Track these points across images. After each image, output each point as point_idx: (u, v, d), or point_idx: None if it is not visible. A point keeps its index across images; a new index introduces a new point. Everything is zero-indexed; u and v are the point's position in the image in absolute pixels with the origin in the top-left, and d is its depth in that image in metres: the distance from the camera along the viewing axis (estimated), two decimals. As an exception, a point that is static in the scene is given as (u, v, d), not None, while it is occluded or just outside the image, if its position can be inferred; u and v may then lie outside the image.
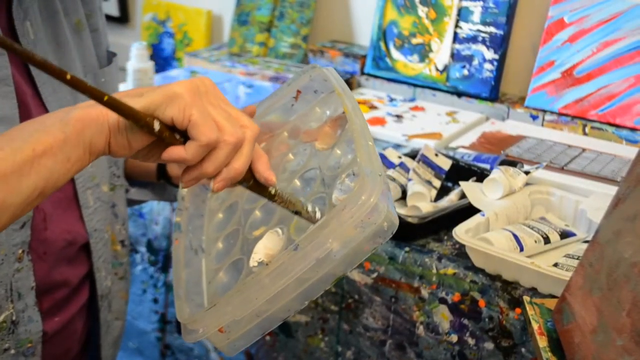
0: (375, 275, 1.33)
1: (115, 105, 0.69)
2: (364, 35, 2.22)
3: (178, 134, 0.72)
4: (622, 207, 0.88)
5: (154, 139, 0.73)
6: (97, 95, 0.67)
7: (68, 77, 0.65)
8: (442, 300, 1.26)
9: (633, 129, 1.75)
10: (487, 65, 1.93)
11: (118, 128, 0.72)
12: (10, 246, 0.91)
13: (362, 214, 0.70)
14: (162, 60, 2.51)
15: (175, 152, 0.72)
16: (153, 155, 0.76)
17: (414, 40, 2.04)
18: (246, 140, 0.74)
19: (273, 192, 0.80)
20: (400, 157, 1.52)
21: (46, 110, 0.93)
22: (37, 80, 0.93)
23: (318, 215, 0.82)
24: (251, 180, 0.78)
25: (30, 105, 0.91)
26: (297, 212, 0.81)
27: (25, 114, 0.90)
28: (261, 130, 0.87)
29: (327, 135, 0.93)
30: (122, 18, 2.63)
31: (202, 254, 0.97)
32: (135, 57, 1.87)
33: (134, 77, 1.86)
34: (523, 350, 1.19)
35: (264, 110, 0.98)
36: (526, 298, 1.01)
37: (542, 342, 0.93)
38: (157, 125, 0.71)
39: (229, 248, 0.94)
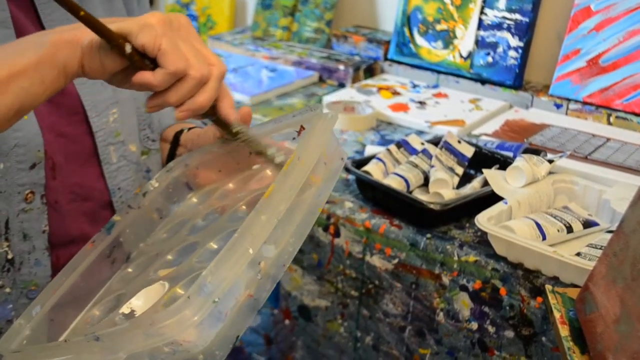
0: (396, 261, 1.33)
1: (90, 21, 0.72)
2: (388, 20, 2.21)
3: (148, 60, 0.76)
4: (647, 197, 0.88)
5: (127, 63, 0.77)
6: (74, 9, 0.71)
7: None
8: (463, 288, 1.26)
9: (658, 119, 1.73)
10: (512, 53, 1.92)
11: (91, 49, 0.76)
12: (15, 185, 0.91)
13: (172, 330, 0.63)
14: (185, 43, 2.51)
15: (144, 76, 0.76)
16: (128, 81, 0.79)
17: (439, 27, 2.03)
18: (212, 77, 0.78)
19: (235, 130, 0.85)
20: (423, 144, 1.52)
21: None
22: (47, 27, 0.94)
23: (278, 159, 0.85)
24: (215, 116, 0.83)
25: None
26: (259, 152, 0.86)
27: None
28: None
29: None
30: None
31: (120, 266, 0.92)
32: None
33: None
34: (544, 339, 1.19)
35: (269, 131, 0.93)
36: (548, 287, 1.01)
37: (564, 331, 0.93)
38: (128, 48, 0.74)
39: (135, 275, 0.89)
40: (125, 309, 0.80)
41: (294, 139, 0.90)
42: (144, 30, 0.74)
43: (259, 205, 0.69)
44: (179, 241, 0.89)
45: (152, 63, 0.76)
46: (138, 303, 0.80)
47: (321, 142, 0.78)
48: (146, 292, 0.80)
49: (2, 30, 0.89)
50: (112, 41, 0.74)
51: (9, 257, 0.94)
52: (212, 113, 0.83)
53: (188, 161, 0.98)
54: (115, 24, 0.75)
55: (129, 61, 0.76)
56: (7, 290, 0.95)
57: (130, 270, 0.92)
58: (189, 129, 1.09)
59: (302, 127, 0.89)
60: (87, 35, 0.75)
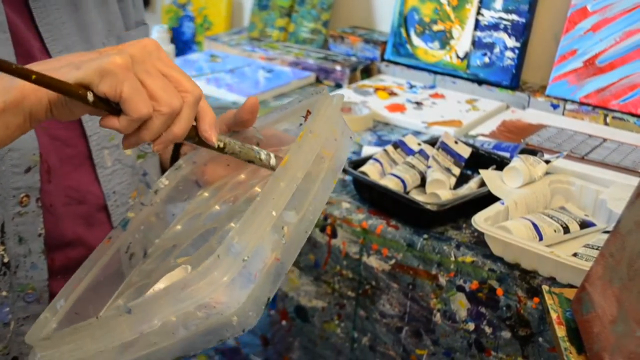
0: (393, 261, 1.33)
1: (45, 82, 0.70)
2: (385, 21, 2.21)
3: (114, 103, 0.74)
4: (644, 198, 0.88)
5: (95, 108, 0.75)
6: (24, 74, 0.68)
7: None
8: (460, 288, 1.26)
9: (655, 120, 1.73)
10: (509, 53, 1.92)
11: (58, 97, 0.74)
12: (10, 189, 0.91)
13: (204, 291, 0.64)
14: (182, 43, 2.51)
15: (110, 122, 0.74)
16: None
17: (435, 27, 2.03)
18: (185, 105, 0.75)
19: (221, 145, 0.81)
20: (419, 144, 1.52)
21: None
22: (45, 36, 0.94)
23: (273, 161, 0.82)
24: (196, 138, 0.80)
25: (38, 59, 0.92)
26: (250, 161, 0.83)
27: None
28: (272, 141, 0.89)
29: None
30: (144, 1, 2.63)
31: (138, 262, 0.93)
32: (156, 40, 1.87)
33: (154, 60, 1.86)
34: (540, 339, 1.19)
35: (275, 120, 0.94)
36: (545, 287, 1.01)
37: (561, 331, 0.93)
38: (90, 97, 0.72)
39: (155, 267, 0.90)
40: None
41: (300, 124, 0.90)
42: (105, 78, 0.71)
43: (277, 172, 0.70)
44: (196, 230, 0.90)
45: (118, 106, 0.74)
46: (161, 286, 0.79)
47: (330, 119, 0.78)
48: (169, 277, 0.80)
49: None
50: (73, 95, 0.72)
51: (5, 260, 0.94)
52: (192, 135, 0.80)
53: (195, 158, 0.98)
54: (76, 73, 0.72)
55: (95, 107, 0.74)
56: (4, 293, 0.95)
57: (149, 262, 0.92)
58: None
59: (308, 112, 0.89)
60: None
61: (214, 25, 2.47)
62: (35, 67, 0.71)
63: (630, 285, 0.83)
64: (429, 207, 1.29)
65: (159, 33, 1.85)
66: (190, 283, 0.64)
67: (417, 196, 1.39)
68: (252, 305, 0.65)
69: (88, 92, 0.72)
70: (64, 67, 0.72)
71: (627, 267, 0.84)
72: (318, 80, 2.09)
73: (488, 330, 1.25)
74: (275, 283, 0.69)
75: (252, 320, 0.65)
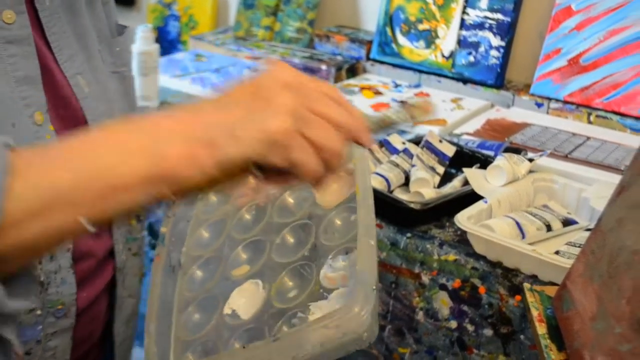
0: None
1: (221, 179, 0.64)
2: (371, 20, 2.21)
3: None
4: (625, 195, 0.88)
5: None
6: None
7: None
8: (443, 287, 1.26)
9: (638, 118, 1.73)
10: (494, 52, 1.92)
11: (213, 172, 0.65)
12: None
13: (348, 324, 0.70)
14: (167, 43, 2.50)
15: (277, 183, 0.69)
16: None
17: (421, 26, 2.03)
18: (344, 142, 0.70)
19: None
20: (404, 143, 1.52)
21: (64, 78, 0.93)
22: (53, 46, 0.93)
23: (403, 115, 0.77)
24: None
25: (54, 71, 0.91)
26: (388, 123, 0.77)
27: (49, 78, 0.89)
28: None
29: (332, 191, 0.92)
30: (129, 1, 2.62)
31: (179, 271, 0.96)
32: (140, 40, 1.86)
33: (138, 60, 1.85)
34: (522, 337, 1.19)
35: None
36: (527, 285, 1.01)
37: (542, 329, 0.93)
38: (257, 173, 0.66)
39: (206, 278, 0.93)
40: (227, 310, 0.87)
41: None
42: (272, 150, 0.64)
43: (360, 203, 0.80)
44: (231, 239, 0.95)
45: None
46: (239, 303, 0.86)
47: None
48: (240, 292, 0.87)
49: (25, 47, 0.86)
50: (238, 176, 0.65)
51: (41, 279, 0.94)
52: None
53: None
54: (237, 146, 0.63)
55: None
56: (38, 312, 0.95)
57: (195, 274, 0.97)
58: None
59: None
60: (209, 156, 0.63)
61: (199, 24, 2.46)
62: (178, 125, 0.63)
63: (610, 282, 0.83)
64: (412, 205, 1.29)
65: (143, 32, 1.84)
66: (334, 315, 0.70)
67: (401, 195, 1.39)
68: (374, 321, 0.72)
69: (253, 168, 0.65)
70: (215, 133, 0.63)
71: (607, 265, 0.85)
72: (303, 79, 2.09)
73: (470, 328, 1.25)
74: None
75: (375, 333, 0.72)
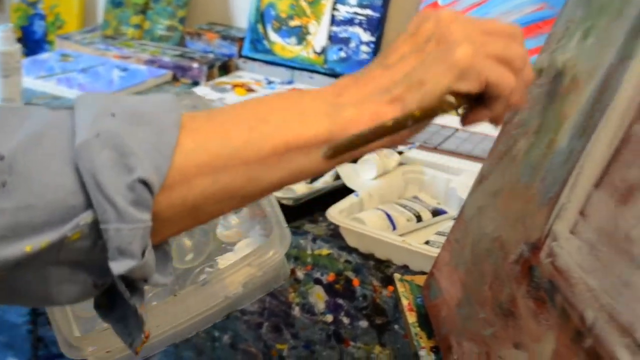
0: (250, 257, 1.32)
1: (428, 113, 0.61)
2: (242, 17, 2.20)
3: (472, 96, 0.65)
4: (485, 184, 0.90)
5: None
6: (403, 123, 0.61)
7: None
8: (317, 281, 1.26)
9: (503, 110, 1.79)
10: (364, 48, 1.94)
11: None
12: None
13: (268, 264, 0.76)
14: (32, 43, 2.41)
15: (481, 116, 0.68)
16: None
17: (292, 23, 2.03)
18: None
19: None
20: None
21: None
22: None
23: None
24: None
25: None
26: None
27: None
28: None
29: None
30: (-10, -1, 2.52)
31: None
32: (0, 40, 1.79)
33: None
34: (396, 327, 1.21)
35: None
36: (397, 275, 1.03)
37: (412, 317, 0.94)
38: (454, 101, 0.63)
39: None
40: None
41: None
42: (464, 78, 0.62)
43: None
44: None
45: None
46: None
47: None
48: None
49: None
50: (439, 112, 0.62)
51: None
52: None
53: None
54: (436, 87, 0.61)
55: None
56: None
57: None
58: None
59: None
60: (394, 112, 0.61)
61: (66, 23, 2.39)
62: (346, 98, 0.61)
63: (473, 269, 0.85)
64: (284, 201, 1.28)
65: (3, 32, 1.76)
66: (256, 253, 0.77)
67: (273, 191, 1.38)
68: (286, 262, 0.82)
69: (449, 100, 0.62)
70: (406, 89, 0.62)
71: (470, 252, 0.86)
72: (175, 78, 2.06)
73: (346, 321, 1.26)
74: None
75: (288, 272, 0.82)
